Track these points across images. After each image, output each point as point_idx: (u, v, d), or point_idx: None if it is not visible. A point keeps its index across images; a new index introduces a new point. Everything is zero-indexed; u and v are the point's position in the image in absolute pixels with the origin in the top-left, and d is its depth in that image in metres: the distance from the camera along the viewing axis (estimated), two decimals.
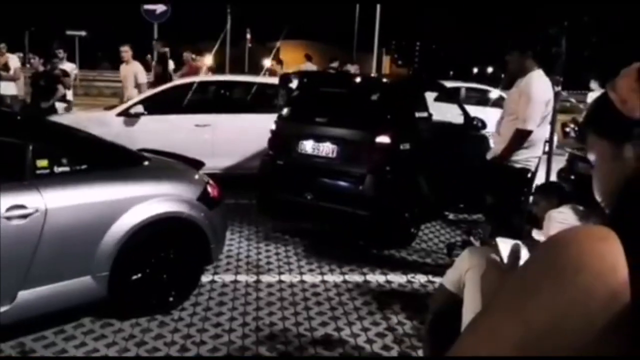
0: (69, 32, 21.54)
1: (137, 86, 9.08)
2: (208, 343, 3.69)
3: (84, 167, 3.76)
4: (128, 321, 3.87)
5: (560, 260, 0.76)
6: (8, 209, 3.26)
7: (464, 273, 2.65)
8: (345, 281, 4.82)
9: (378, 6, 18.09)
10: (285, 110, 6.31)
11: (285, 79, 6.79)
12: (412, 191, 5.81)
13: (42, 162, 3.55)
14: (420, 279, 4.95)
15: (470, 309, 2.50)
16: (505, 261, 2.67)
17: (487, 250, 2.82)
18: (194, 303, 4.22)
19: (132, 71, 9.20)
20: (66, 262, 3.55)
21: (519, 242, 2.76)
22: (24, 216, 3.31)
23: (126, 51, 9.21)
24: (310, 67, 12.44)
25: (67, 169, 3.67)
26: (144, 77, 9.28)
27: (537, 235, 3.83)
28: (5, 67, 9.82)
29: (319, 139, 5.78)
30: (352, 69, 11.58)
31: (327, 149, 5.73)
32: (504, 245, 2.60)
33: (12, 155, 3.48)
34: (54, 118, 7.07)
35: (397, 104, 5.93)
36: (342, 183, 5.66)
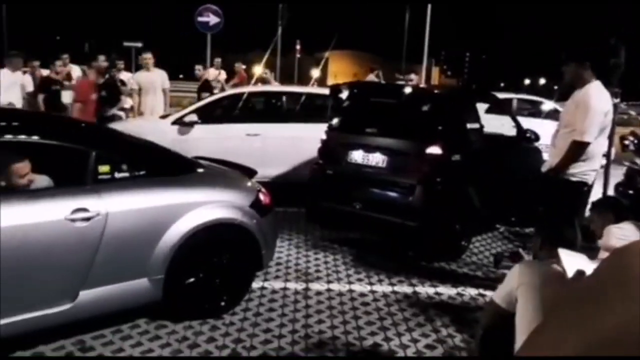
0: (126, 44, 22.29)
1: (163, 92, 9.53)
2: (258, 348, 3.74)
3: (142, 173, 3.90)
4: (181, 324, 3.97)
5: (629, 271, 0.76)
6: (72, 212, 3.41)
7: (515, 288, 2.60)
8: (394, 292, 4.80)
9: (428, 16, 18.01)
10: (335, 120, 6.36)
11: (336, 89, 6.85)
12: (463, 203, 5.75)
13: (104, 168, 3.70)
14: (471, 292, 4.88)
15: (524, 324, 2.46)
16: (569, 274, 2.62)
17: (541, 264, 2.77)
18: (245, 308, 4.29)
19: (157, 78, 9.60)
20: (124, 264, 3.67)
21: (583, 255, 2.70)
22: (86, 219, 3.46)
23: (150, 58, 9.57)
24: (374, 79, 12.45)
25: (126, 174, 3.81)
26: (168, 83, 9.74)
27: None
28: (69, 77, 10.24)
29: (369, 149, 5.81)
30: (415, 79, 11.50)
31: (376, 159, 5.74)
32: (568, 258, 2.54)
33: (76, 161, 3.63)
34: (114, 126, 7.32)
35: (448, 114, 5.90)
36: (391, 193, 5.66)
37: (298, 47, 33.45)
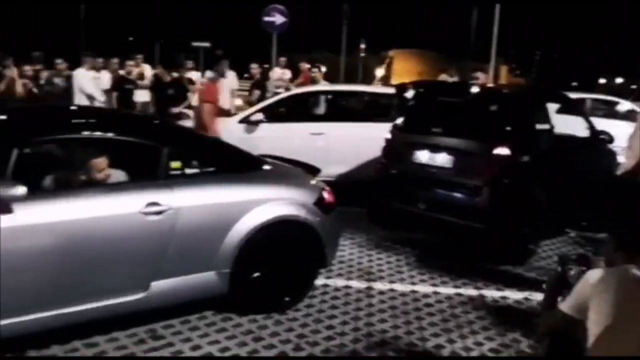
0: (194, 44, 22.91)
1: (231, 92, 9.99)
2: (321, 344, 3.79)
3: (211, 169, 4.02)
4: (246, 317, 4.06)
5: None
6: (146, 206, 3.56)
7: (588, 298, 2.51)
8: (458, 294, 4.74)
9: (497, 14, 17.55)
10: (400, 120, 6.33)
11: (401, 88, 6.81)
12: (531, 205, 5.59)
13: (176, 164, 3.85)
14: (538, 297, 4.74)
15: (599, 329, 2.38)
16: None
17: (616, 270, 2.66)
18: (308, 305, 4.35)
19: (228, 79, 10.07)
20: (193, 257, 3.80)
21: None
22: (159, 213, 3.60)
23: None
24: (446, 78, 12.28)
25: (197, 170, 3.94)
26: (237, 84, 10.32)
27: None
28: (141, 76, 10.63)
29: (434, 149, 5.75)
30: (482, 77, 11.23)
31: (442, 159, 5.67)
32: None
33: (150, 157, 3.79)
34: (184, 123, 7.56)
35: (516, 114, 5.76)
36: (456, 194, 5.58)
37: (362, 46, 33.39)
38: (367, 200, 6.39)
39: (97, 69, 9.95)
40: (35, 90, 8.87)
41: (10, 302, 3.19)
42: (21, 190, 3.11)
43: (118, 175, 3.82)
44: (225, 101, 9.88)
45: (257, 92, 10.23)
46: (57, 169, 3.86)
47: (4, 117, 4.26)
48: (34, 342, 3.43)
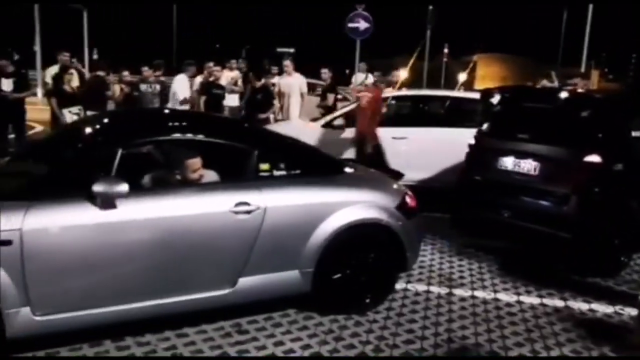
0: (279, 50, 23.52)
1: (301, 96, 10.24)
2: (400, 347, 3.81)
3: (297, 172, 4.15)
4: (327, 317, 4.15)
5: None
6: (235, 205, 3.74)
7: None
8: (543, 304, 4.62)
9: (589, 17, 16.81)
10: (485, 125, 6.24)
11: (487, 93, 6.70)
12: (623, 216, 5.34)
13: (264, 166, 4.01)
14: (630, 311, 4.54)
15: None
16: None
17: None
18: (388, 307, 4.38)
19: (297, 83, 10.36)
20: (278, 256, 3.94)
21: None
22: (248, 212, 3.77)
23: (287, 65, 10.46)
24: (546, 83, 11.93)
25: (284, 172, 4.08)
26: (305, 88, 10.47)
27: None
28: (235, 82, 11.02)
29: (521, 155, 5.62)
30: (581, 84, 10.70)
31: (528, 166, 5.54)
32: None
33: (241, 159, 3.97)
34: (270, 127, 7.80)
35: (609, 121, 5.52)
36: (543, 202, 5.43)
37: (446, 50, 32.92)
38: (450, 206, 6.33)
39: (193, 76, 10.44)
40: (135, 94, 9.38)
41: (110, 292, 3.45)
42: (124, 187, 3.35)
43: (210, 175, 4.02)
44: (296, 104, 10.19)
45: (331, 97, 10.38)
46: (154, 169, 4.12)
47: (107, 120, 4.61)
48: (133, 329, 3.67)
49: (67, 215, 3.31)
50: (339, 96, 11.86)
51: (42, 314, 3.27)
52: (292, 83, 10.31)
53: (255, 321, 4.03)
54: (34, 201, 3.25)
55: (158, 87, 9.51)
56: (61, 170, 3.63)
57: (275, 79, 10.70)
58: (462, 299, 4.67)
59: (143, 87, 9.42)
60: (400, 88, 12.68)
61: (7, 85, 8.49)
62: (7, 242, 3.11)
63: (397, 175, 4.96)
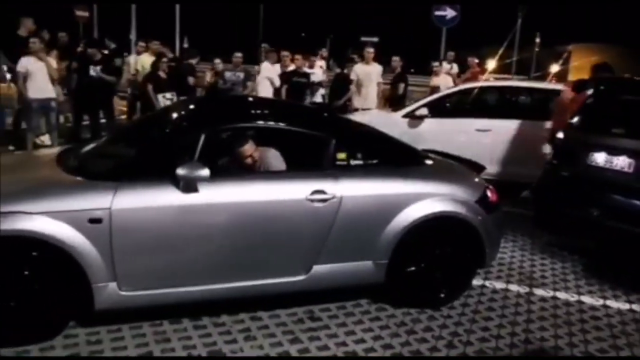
0: (363, 38, 23.41)
1: (377, 85, 10.11)
2: (474, 344, 3.72)
3: (375, 161, 4.12)
4: (400, 309, 4.12)
5: None
6: (312, 193, 3.77)
7: None
8: (631, 310, 4.36)
9: None
10: (576, 119, 5.93)
11: (579, 85, 6.36)
12: None
13: (341, 155, 4.01)
14: None
15: None
16: None
17: None
18: (463, 303, 4.29)
19: (376, 71, 10.18)
20: (353, 246, 3.94)
21: None
22: (323, 200, 3.79)
23: (371, 52, 10.29)
24: None
25: (360, 162, 4.07)
26: (381, 77, 10.29)
27: None
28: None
29: (614, 151, 5.29)
30: None
31: (622, 162, 5.20)
32: None
33: (318, 147, 3.99)
34: (348, 116, 7.78)
35: None
36: (637, 202, 5.09)
37: (537, 40, 31.52)
38: (534, 202, 6.08)
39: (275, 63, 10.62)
40: (220, 81, 9.66)
41: (189, 272, 3.59)
42: (205, 172, 3.46)
43: (272, 158, 4.07)
44: (372, 93, 10.10)
45: (402, 86, 10.20)
46: (229, 155, 4.24)
47: (193, 106, 4.77)
48: (204, 309, 3.81)
49: (152, 196, 3.46)
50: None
51: (127, 290, 3.45)
52: (370, 71, 10.23)
53: (327, 309, 4.06)
54: (123, 182, 3.43)
55: (242, 75, 9.71)
56: (148, 153, 3.80)
57: (353, 68, 10.61)
58: (543, 300, 4.48)
59: (228, 74, 9.67)
60: (487, 79, 12.30)
61: (95, 72, 9.00)
62: (98, 220, 3.30)
63: (479, 168, 4.81)
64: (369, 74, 10.12)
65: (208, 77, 9.67)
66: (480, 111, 8.08)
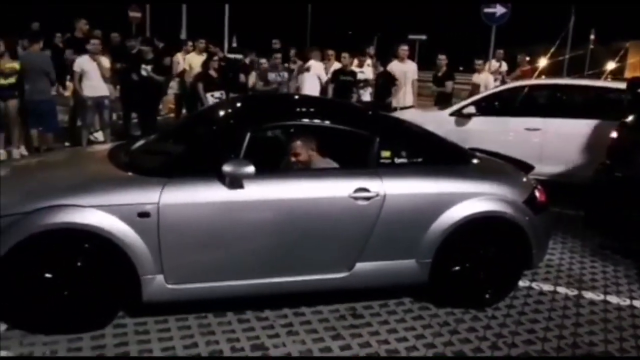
0: (411, 36, 23.18)
1: (412, 83, 10.11)
2: (519, 347, 3.65)
3: (419, 160, 4.09)
4: (443, 309, 4.08)
5: None
6: (355, 191, 3.77)
7: None
8: None
9: None
10: (630, 118, 5.73)
11: (635, 83, 6.15)
12: None
13: (386, 153, 3.99)
14: None
15: None
16: None
17: None
18: (509, 305, 4.21)
19: (411, 69, 10.16)
20: (396, 244, 3.92)
21: None
22: (367, 198, 3.79)
23: (406, 50, 10.33)
24: None
25: (405, 160, 4.04)
26: (416, 75, 10.28)
27: None
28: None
29: None
30: None
31: None
32: None
33: (362, 145, 3.99)
34: (394, 114, 7.75)
35: None
36: None
37: (592, 37, 30.54)
38: (584, 203, 5.92)
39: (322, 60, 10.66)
40: (260, 83, 9.71)
41: (233, 267, 3.65)
42: (251, 169, 3.51)
43: (318, 158, 4.09)
44: (407, 91, 10.00)
45: (449, 84, 10.04)
46: (276, 152, 4.28)
47: (240, 104, 4.84)
48: (248, 304, 3.87)
49: (199, 192, 3.54)
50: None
51: (174, 283, 3.54)
52: (406, 70, 10.14)
53: (370, 307, 4.06)
54: (171, 178, 3.52)
55: (286, 74, 9.71)
56: (196, 150, 3.89)
57: (388, 66, 10.51)
58: (593, 303, 4.36)
59: (271, 76, 9.67)
60: (538, 76, 12.01)
61: (145, 71, 9.24)
62: (146, 214, 3.40)
63: (527, 168, 4.71)
64: (404, 72, 10.05)
65: (252, 78, 9.68)
66: (529, 109, 7.91)
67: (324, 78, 10.09)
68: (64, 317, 3.41)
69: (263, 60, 10.00)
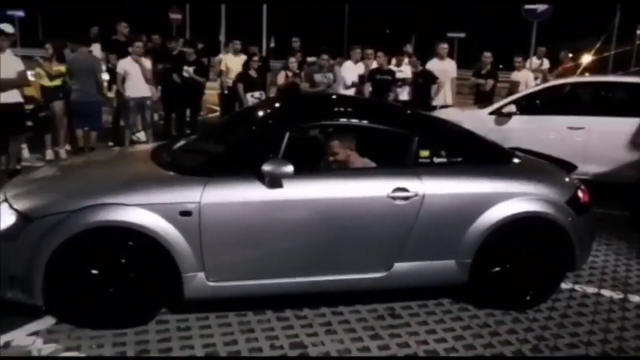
0: (449, 34, 22.94)
1: (451, 81, 9.99)
2: (562, 350, 3.58)
3: (459, 159, 4.06)
4: (483, 310, 4.03)
5: None
6: (393, 190, 3.76)
7: None
8: None
9: None
10: None
11: None
12: None
13: (424, 152, 3.97)
14: None
15: None
16: None
17: None
18: (551, 307, 4.14)
19: (449, 67, 10.06)
20: (435, 244, 3.90)
21: None
22: (405, 198, 3.77)
23: (446, 48, 10.23)
24: None
25: (444, 160, 4.01)
26: (456, 73, 10.18)
27: None
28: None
29: None
30: None
31: None
32: None
33: (401, 145, 3.98)
34: (433, 113, 7.68)
35: None
36: None
37: (639, 32, 29.62)
38: (630, 204, 5.76)
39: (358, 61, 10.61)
40: (305, 84, 9.69)
41: (273, 265, 3.70)
42: (289, 168, 3.55)
43: (356, 157, 4.09)
44: (447, 89, 9.88)
45: (490, 82, 9.86)
46: (315, 152, 4.30)
47: (279, 104, 4.89)
48: (287, 302, 3.90)
49: (239, 191, 3.59)
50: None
51: (214, 280, 3.60)
52: (446, 68, 10.02)
53: (408, 307, 4.05)
54: (212, 177, 3.58)
55: (332, 76, 9.66)
56: (236, 150, 3.95)
57: (428, 64, 10.39)
58: (639, 307, 4.24)
59: (318, 77, 9.62)
60: (583, 73, 11.73)
61: (187, 73, 9.40)
62: (188, 213, 3.47)
63: (570, 167, 4.62)
64: (444, 71, 9.94)
65: (281, 78, 9.57)
66: (572, 108, 7.74)
67: (349, 80, 9.93)
68: (109, 313, 3.51)
69: (292, 60, 9.84)
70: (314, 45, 10.92)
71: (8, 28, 7.47)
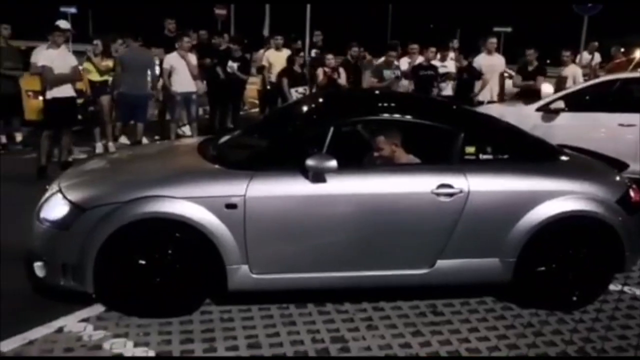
0: (495, 29, 22.54)
1: (500, 75, 9.86)
2: (609, 353, 3.50)
3: (505, 156, 4.00)
4: (527, 310, 3.97)
5: None
6: (438, 187, 3.74)
7: None
8: None
9: None
10: None
11: None
12: None
13: (470, 149, 3.93)
14: None
15: None
16: None
17: None
18: (598, 309, 4.04)
19: (499, 63, 9.93)
20: (479, 242, 3.85)
21: None
22: (450, 195, 3.75)
23: (494, 43, 10.09)
24: None
25: (490, 157, 3.96)
26: (504, 68, 10.14)
27: None
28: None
29: None
30: None
31: None
32: None
33: (446, 141, 3.95)
34: (479, 109, 7.56)
35: None
36: None
37: None
38: None
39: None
40: (373, 80, 9.62)
41: (315, 259, 3.73)
42: (333, 163, 3.56)
43: (402, 154, 4.08)
44: (496, 85, 9.69)
45: (540, 79, 9.60)
46: (359, 147, 4.31)
47: (323, 99, 4.91)
48: (328, 296, 3.93)
49: (283, 185, 3.64)
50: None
51: (258, 272, 3.66)
52: (494, 63, 9.84)
53: (451, 304, 4.02)
54: (257, 171, 3.63)
55: (399, 72, 9.57)
56: (280, 145, 3.99)
57: (476, 59, 10.19)
58: None
59: (387, 73, 9.55)
60: (635, 68, 11.34)
61: (231, 69, 9.51)
62: (233, 206, 3.53)
63: (621, 166, 4.49)
64: (492, 66, 9.76)
65: (320, 75, 9.52)
66: (624, 104, 7.50)
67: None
68: (155, 302, 3.61)
69: (330, 56, 9.76)
70: (346, 40, 10.85)
71: (63, 24, 7.71)
